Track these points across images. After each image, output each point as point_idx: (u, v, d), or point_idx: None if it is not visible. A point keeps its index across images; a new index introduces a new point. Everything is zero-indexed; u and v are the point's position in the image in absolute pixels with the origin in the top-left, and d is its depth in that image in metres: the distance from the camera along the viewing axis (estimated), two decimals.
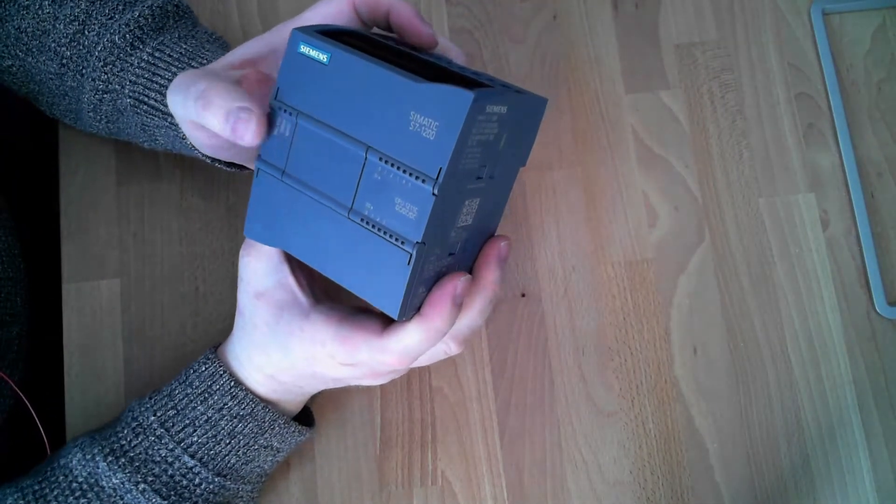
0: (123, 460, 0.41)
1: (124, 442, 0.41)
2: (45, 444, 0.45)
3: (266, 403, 0.42)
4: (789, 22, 0.55)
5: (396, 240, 0.34)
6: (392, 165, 0.34)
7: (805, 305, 0.51)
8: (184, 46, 0.45)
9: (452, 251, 0.37)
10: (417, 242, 0.34)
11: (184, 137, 0.44)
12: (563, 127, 0.54)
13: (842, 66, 0.55)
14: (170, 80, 0.44)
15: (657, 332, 0.51)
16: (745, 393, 0.50)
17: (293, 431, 0.44)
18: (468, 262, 0.40)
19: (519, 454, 0.49)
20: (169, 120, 0.45)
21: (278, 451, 0.45)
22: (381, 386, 0.50)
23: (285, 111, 0.36)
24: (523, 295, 0.52)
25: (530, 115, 0.39)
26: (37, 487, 0.41)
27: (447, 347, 0.39)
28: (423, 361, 0.39)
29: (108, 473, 0.40)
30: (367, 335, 0.37)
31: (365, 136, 0.34)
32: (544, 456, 0.50)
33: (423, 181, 0.33)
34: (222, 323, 0.51)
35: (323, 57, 0.35)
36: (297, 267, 0.39)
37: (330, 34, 0.36)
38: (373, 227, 0.34)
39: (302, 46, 0.35)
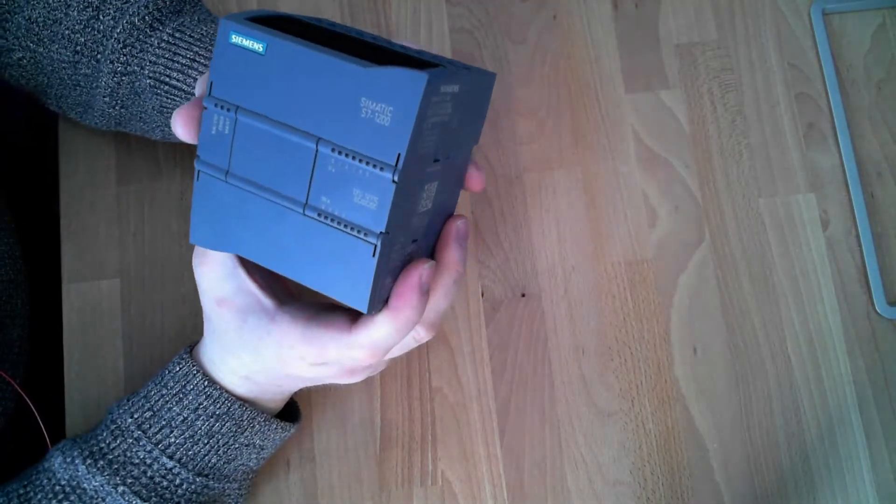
0: (102, 463, 0.40)
1: (103, 444, 0.41)
2: (47, 446, 0.45)
3: (243, 402, 0.42)
4: (789, 22, 0.55)
5: (359, 232, 0.33)
6: (346, 156, 0.32)
7: (805, 305, 0.51)
8: (204, 28, 0.46)
9: (416, 237, 0.36)
10: (381, 233, 0.32)
11: None
12: (563, 127, 0.54)
13: (842, 66, 0.55)
14: (191, 59, 0.44)
15: (657, 332, 0.51)
16: (745, 393, 0.50)
17: (275, 428, 0.44)
18: (431, 246, 0.39)
19: (519, 454, 0.49)
20: (191, 98, 0.45)
21: (262, 449, 0.44)
22: (381, 386, 0.50)
23: (221, 107, 0.34)
24: (523, 295, 0.52)
25: (481, 92, 0.38)
26: (21, 491, 0.41)
27: (416, 334, 0.38)
28: (394, 352, 0.38)
29: (87, 476, 0.40)
30: (334, 333, 0.36)
31: (313, 127, 0.32)
32: (544, 456, 0.50)
33: (382, 169, 0.32)
34: None
35: (258, 46, 0.32)
36: (255, 268, 0.39)
37: (261, 20, 0.34)
38: (332, 221, 0.33)
39: (234, 36, 0.33)
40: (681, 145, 0.54)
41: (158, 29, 0.45)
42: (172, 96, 0.45)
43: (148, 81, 0.45)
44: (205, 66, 0.45)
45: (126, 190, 0.53)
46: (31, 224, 0.60)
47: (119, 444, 0.41)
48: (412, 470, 0.49)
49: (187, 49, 0.45)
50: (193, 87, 0.45)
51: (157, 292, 0.51)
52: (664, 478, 0.49)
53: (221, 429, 0.42)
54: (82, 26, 0.45)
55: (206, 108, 0.34)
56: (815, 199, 0.53)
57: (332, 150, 0.32)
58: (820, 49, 0.55)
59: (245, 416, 0.42)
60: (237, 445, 0.43)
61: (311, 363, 0.37)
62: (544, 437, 0.50)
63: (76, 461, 0.41)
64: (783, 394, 0.50)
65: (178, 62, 0.45)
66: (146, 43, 0.45)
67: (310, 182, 0.33)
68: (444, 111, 0.33)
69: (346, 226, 0.33)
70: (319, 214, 0.33)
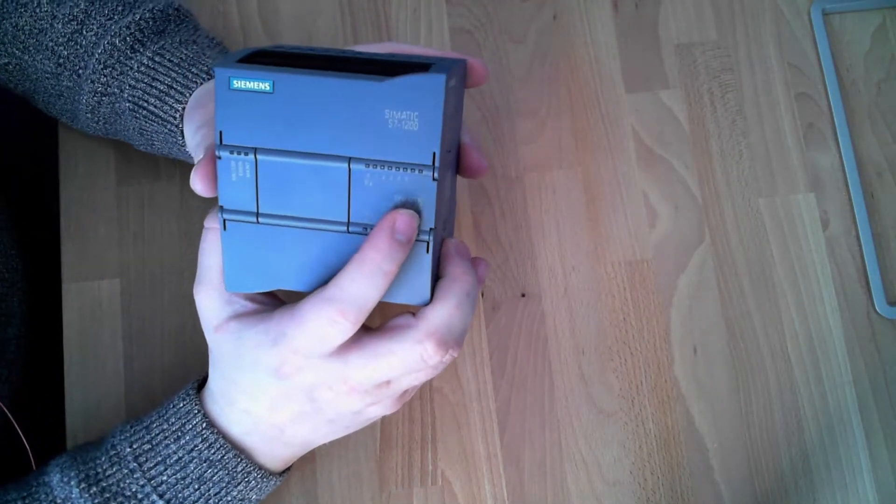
0: (95, 489, 0.40)
1: (99, 470, 0.40)
2: (29, 457, 0.45)
3: (239, 451, 0.40)
4: (789, 22, 0.55)
5: None
6: (381, 167, 0.33)
7: (805, 305, 0.51)
8: (184, 52, 0.45)
9: (446, 225, 0.39)
10: (431, 229, 0.34)
11: (182, 145, 0.44)
12: (563, 127, 0.54)
13: (842, 66, 0.55)
14: (168, 86, 0.44)
15: (657, 332, 0.51)
16: (745, 393, 0.50)
17: (274, 484, 0.43)
18: (451, 231, 0.42)
19: (519, 454, 0.50)
20: (167, 126, 0.45)
21: (258, 501, 0.43)
22: None
23: (238, 153, 0.34)
24: (523, 295, 0.52)
25: (462, 79, 0.39)
26: (20, 503, 0.40)
27: (423, 349, 0.35)
28: (397, 373, 0.37)
29: (79, 500, 0.39)
30: (386, 335, 0.35)
31: (341, 148, 0.33)
32: (544, 456, 0.50)
33: (421, 171, 0.33)
34: None
35: (264, 86, 0.33)
36: (259, 295, 0.38)
37: (248, 59, 0.34)
38: None
39: (235, 82, 0.33)
40: (681, 145, 0.54)
41: (139, 51, 0.45)
42: (151, 121, 0.45)
43: (127, 104, 0.45)
44: (180, 92, 0.44)
45: (126, 190, 0.53)
46: (32, 224, 0.60)
47: (115, 473, 0.40)
48: (412, 470, 0.49)
49: (165, 75, 0.44)
50: (170, 115, 0.44)
51: (157, 292, 0.51)
52: (664, 478, 0.49)
53: (213, 476, 0.40)
54: (66, 39, 0.45)
55: (220, 158, 0.34)
56: (815, 199, 0.53)
57: (367, 165, 0.33)
58: (820, 49, 0.55)
59: (239, 469, 0.41)
60: (230, 499, 0.41)
61: (355, 386, 0.36)
62: (544, 437, 0.50)
63: (72, 482, 0.40)
64: (783, 394, 0.50)
65: (156, 87, 0.44)
66: (126, 65, 0.45)
67: (349, 200, 0.34)
68: (452, 104, 0.35)
69: None
70: (365, 229, 0.34)
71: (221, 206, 0.35)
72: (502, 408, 0.50)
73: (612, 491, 0.49)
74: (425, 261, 0.35)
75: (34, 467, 0.44)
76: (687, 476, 0.49)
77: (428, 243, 0.34)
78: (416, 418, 0.50)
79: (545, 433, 0.50)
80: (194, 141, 0.40)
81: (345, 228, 0.34)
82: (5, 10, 0.46)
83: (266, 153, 0.34)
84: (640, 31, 0.55)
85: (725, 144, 0.54)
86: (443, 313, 0.35)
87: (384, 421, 0.50)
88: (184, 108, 0.44)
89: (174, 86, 0.44)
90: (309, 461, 0.49)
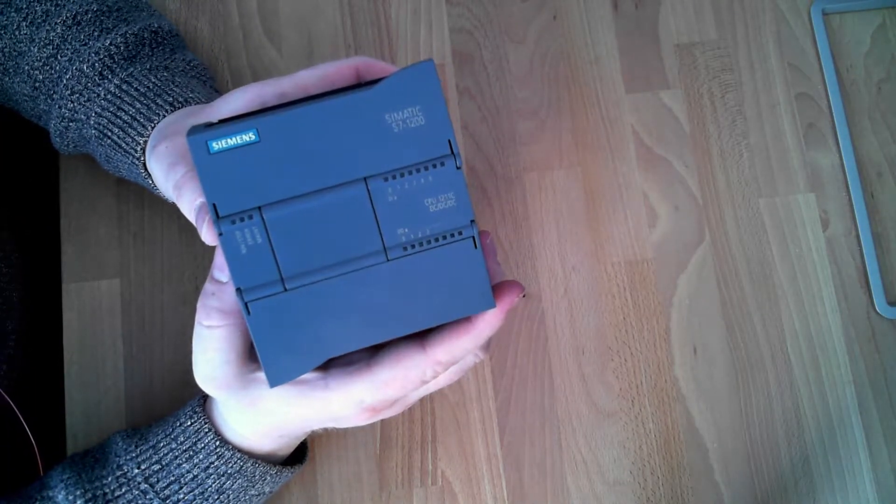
0: None
1: (107, 490, 0.40)
2: (36, 456, 0.45)
3: (255, 458, 0.41)
4: (789, 22, 0.55)
5: (452, 236, 0.31)
6: (401, 176, 0.31)
7: (805, 305, 0.51)
8: (152, 80, 0.44)
9: None
10: (472, 220, 0.31)
11: (146, 177, 0.44)
12: (563, 127, 0.54)
13: (842, 66, 0.55)
14: (133, 117, 0.43)
15: (657, 332, 0.51)
16: (745, 393, 0.50)
17: (287, 475, 0.43)
18: None
19: (519, 454, 0.49)
20: (130, 158, 0.44)
21: (272, 493, 0.44)
22: None
23: (240, 220, 0.31)
24: (523, 295, 0.52)
25: None
26: None
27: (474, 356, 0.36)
28: (410, 390, 0.35)
29: None
30: (411, 352, 0.33)
31: (351, 172, 0.31)
32: (544, 456, 0.50)
33: (443, 164, 0.31)
34: None
35: (249, 136, 0.30)
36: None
37: (210, 126, 0.32)
38: (420, 246, 0.31)
39: (214, 144, 0.30)
40: (681, 145, 0.54)
41: (107, 78, 0.44)
42: (114, 150, 0.44)
43: (93, 132, 0.45)
44: (142, 125, 0.43)
45: (126, 190, 0.53)
46: (32, 223, 0.60)
47: (124, 494, 0.40)
48: (412, 470, 0.49)
49: (130, 105, 0.43)
50: (132, 147, 0.43)
51: (157, 292, 0.51)
52: (664, 478, 0.49)
53: (233, 486, 0.41)
54: (41, 64, 0.45)
55: (222, 235, 0.31)
56: (815, 199, 0.53)
57: (385, 179, 0.31)
58: (820, 49, 0.55)
59: (257, 473, 0.41)
60: (247, 498, 0.42)
61: (380, 405, 0.35)
62: (544, 437, 0.50)
63: (77, 502, 0.39)
64: (783, 394, 0.50)
65: (120, 118, 0.43)
66: (93, 92, 0.44)
67: (377, 224, 0.31)
68: None
69: (436, 240, 0.32)
70: (405, 249, 0.32)
71: (238, 289, 0.31)
72: (502, 408, 0.50)
73: (612, 491, 0.49)
74: (475, 259, 0.32)
75: (39, 464, 0.44)
76: (687, 476, 0.49)
77: (473, 238, 0.31)
78: (416, 418, 0.50)
79: (545, 433, 0.50)
80: (169, 182, 0.38)
81: (383, 257, 0.31)
82: None
83: (272, 207, 0.31)
84: (640, 31, 0.55)
85: (725, 144, 0.54)
86: (498, 316, 0.33)
87: (384, 421, 0.50)
88: (146, 142, 0.43)
89: (137, 117, 0.43)
90: (309, 461, 0.49)
